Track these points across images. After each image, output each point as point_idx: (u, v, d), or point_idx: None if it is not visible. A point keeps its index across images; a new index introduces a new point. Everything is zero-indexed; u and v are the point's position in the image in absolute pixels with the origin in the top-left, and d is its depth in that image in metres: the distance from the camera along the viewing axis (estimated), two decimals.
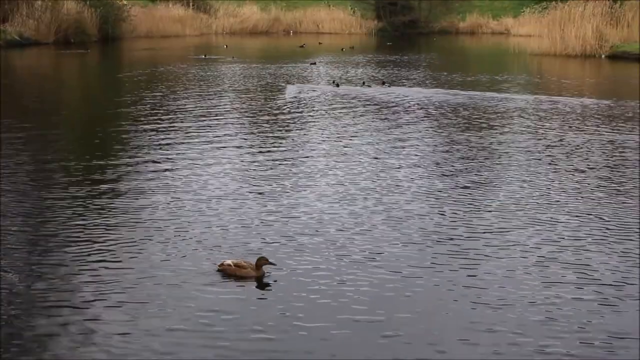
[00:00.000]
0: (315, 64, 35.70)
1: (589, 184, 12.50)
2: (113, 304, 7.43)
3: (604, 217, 10.49)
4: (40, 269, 8.33)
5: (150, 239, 9.33)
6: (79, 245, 9.04)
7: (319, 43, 51.90)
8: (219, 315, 7.26)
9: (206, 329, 6.99)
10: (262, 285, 8.07)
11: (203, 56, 38.60)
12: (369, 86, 26.71)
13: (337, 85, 26.30)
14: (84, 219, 10.12)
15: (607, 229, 9.97)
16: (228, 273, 8.21)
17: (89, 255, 8.74)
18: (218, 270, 8.29)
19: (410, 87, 26.78)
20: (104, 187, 11.95)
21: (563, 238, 9.55)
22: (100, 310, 7.28)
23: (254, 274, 8.17)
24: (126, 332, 6.86)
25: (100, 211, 10.50)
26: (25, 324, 7.00)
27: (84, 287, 7.84)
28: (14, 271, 8.22)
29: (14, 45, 42.01)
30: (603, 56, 39.95)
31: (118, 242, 9.20)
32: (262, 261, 8.23)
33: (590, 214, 10.62)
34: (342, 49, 45.34)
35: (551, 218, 10.41)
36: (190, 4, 61.84)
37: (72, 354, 6.46)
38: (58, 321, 7.05)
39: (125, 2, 52.93)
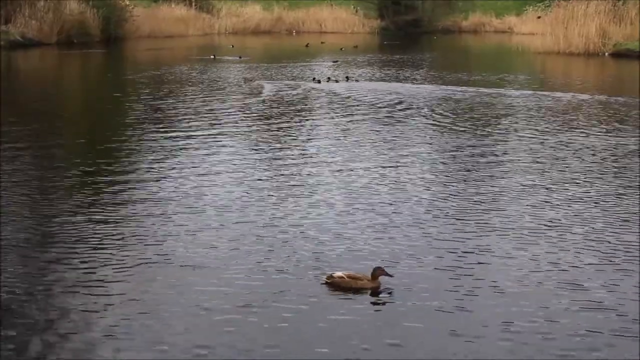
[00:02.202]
0: (337, 61, 36.15)
1: (594, 188, 12.23)
2: (227, 333, 6.83)
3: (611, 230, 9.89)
4: (98, 290, 7.74)
5: (218, 253, 8.79)
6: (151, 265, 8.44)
7: (322, 42, 51.87)
8: (345, 331, 6.86)
9: (341, 349, 6.57)
10: (380, 297, 7.64)
11: (212, 57, 38.52)
12: (335, 81, 27.15)
13: (319, 82, 26.82)
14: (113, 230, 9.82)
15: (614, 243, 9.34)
16: (341, 286, 7.71)
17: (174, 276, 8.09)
18: (326, 283, 7.80)
19: (409, 83, 26.76)
20: (126, 194, 11.71)
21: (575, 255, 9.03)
22: (216, 338, 6.73)
23: (370, 285, 7.73)
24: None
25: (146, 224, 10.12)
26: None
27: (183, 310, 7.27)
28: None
29: (17, 46, 42.01)
30: (606, 54, 39.85)
31: (188, 259, 8.61)
32: (378, 272, 7.76)
33: (599, 226, 9.99)
34: (341, 49, 45.28)
35: (554, 230, 9.97)
36: (193, 4, 61.80)
37: None
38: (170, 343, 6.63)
39: (127, 3, 52.94)
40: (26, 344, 6.61)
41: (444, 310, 7.30)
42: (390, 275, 7.83)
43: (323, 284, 7.82)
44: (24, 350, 6.51)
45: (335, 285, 7.74)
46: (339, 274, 7.81)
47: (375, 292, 7.69)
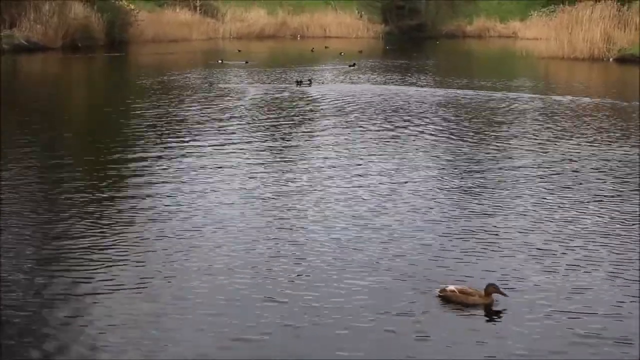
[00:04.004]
0: (354, 65, 36.27)
1: (599, 197, 12.12)
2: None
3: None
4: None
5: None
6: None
7: (325, 47, 51.89)
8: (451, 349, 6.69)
9: None
10: (492, 315, 7.35)
11: (219, 61, 38.59)
12: (306, 83, 27.58)
13: (300, 84, 27.37)
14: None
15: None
16: (452, 300, 7.50)
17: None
18: (438, 297, 7.61)
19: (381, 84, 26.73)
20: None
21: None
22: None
23: (481, 301, 7.45)
24: None
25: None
26: None
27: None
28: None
29: (22, 50, 42.05)
30: (611, 59, 39.81)
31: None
32: (491, 289, 7.47)
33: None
34: (340, 53, 45.35)
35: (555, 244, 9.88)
36: (197, 8, 61.90)
37: None
38: None
39: (132, 7, 53.04)
40: (24, 352, 6.54)
41: (552, 332, 7.02)
42: (505, 295, 7.50)
43: (437, 296, 7.64)
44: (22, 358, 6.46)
45: (447, 299, 7.54)
46: (451, 287, 7.59)
47: (488, 309, 7.43)
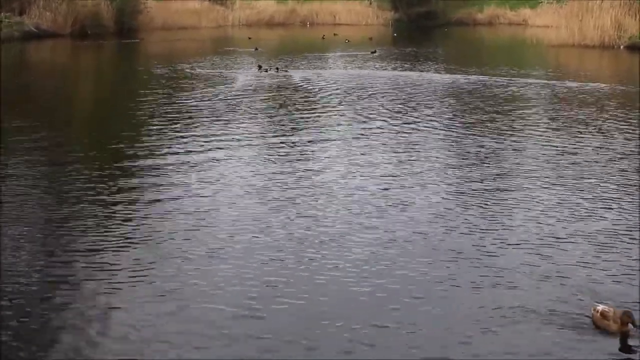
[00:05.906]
0: (375, 52, 36.66)
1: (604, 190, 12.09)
2: None
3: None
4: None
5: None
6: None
7: (334, 34, 51.72)
8: None
9: None
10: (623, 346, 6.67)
11: (232, 49, 38.71)
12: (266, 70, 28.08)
13: (266, 70, 27.82)
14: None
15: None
16: (593, 321, 6.93)
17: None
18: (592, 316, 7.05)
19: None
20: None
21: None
22: None
23: (614, 328, 6.73)
24: None
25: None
26: None
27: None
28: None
29: (31, 37, 42.10)
30: (621, 47, 39.58)
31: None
32: (626, 317, 6.72)
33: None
34: (346, 40, 45.28)
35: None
36: None
37: None
38: None
39: None
40: (24, 352, 6.51)
41: None
42: (636, 326, 6.73)
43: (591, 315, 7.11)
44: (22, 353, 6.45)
45: (593, 319, 7.00)
46: (599, 307, 6.98)
47: (624, 338, 6.74)
